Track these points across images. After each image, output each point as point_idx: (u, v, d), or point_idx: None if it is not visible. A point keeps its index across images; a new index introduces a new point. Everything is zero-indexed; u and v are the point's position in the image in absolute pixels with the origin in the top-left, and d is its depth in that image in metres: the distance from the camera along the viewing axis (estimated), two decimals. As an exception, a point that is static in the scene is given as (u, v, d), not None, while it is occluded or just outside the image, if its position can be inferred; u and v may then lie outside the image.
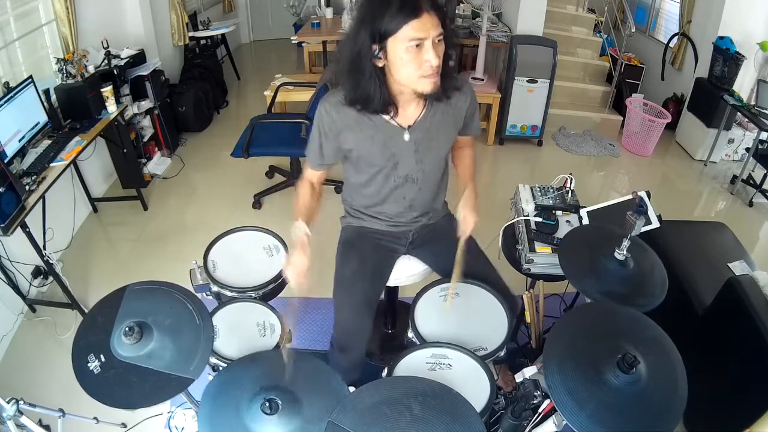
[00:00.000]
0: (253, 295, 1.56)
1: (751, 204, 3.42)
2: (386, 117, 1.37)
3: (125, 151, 3.04)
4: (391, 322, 2.17)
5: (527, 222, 1.81)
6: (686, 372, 1.12)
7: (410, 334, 1.43)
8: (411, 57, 1.21)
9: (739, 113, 3.62)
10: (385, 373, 1.31)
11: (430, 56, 1.20)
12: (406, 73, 1.24)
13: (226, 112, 4.59)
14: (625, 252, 1.41)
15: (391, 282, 1.67)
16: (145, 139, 3.39)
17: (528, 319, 1.74)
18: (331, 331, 1.60)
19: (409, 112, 1.38)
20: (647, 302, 1.37)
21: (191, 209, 3.21)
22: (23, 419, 1.41)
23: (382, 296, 1.87)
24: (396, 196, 1.50)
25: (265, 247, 1.70)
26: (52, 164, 2.24)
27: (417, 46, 1.19)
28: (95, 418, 1.71)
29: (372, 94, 1.28)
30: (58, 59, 2.61)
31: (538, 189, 1.96)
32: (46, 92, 2.47)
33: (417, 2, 1.17)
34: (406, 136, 1.39)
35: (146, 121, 3.40)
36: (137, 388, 1.10)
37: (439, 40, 1.22)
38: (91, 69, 2.74)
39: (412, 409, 1.02)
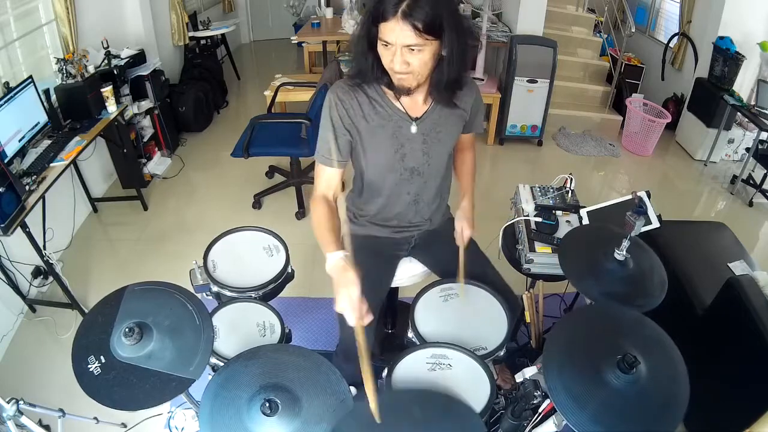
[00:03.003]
0: (253, 295, 1.56)
1: (751, 204, 3.42)
2: (396, 103, 1.36)
3: (125, 151, 3.04)
4: (391, 322, 2.16)
5: (527, 222, 1.81)
6: (686, 372, 1.12)
7: (410, 334, 1.43)
8: (383, 52, 1.24)
9: (739, 113, 3.62)
10: (385, 373, 1.31)
11: (393, 60, 1.21)
12: (383, 63, 1.26)
13: (226, 112, 4.59)
14: (624, 252, 1.41)
15: (393, 283, 1.66)
16: (145, 139, 3.39)
17: (528, 319, 1.74)
18: (332, 330, 1.59)
19: (418, 104, 1.39)
20: (647, 302, 1.37)
21: (191, 209, 3.21)
22: (23, 419, 1.42)
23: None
24: (401, 190, 1.49)
25: (265, 247, 1.70)
26: (52, 164, 2.24)
27: (385, 45, 1.21)
28: (95, 418, 1.71)
29: (366, 69, 1.30)
30: (58, 59, 2.61)
31: (538, 189, 1.96)
32: (46, 92, 2.47)
33: (390, 6, 1.15)
34: (414, 128, 1.39)
35: (146, 121, 3.40)
36: (137, 389, 1.10)
37: (414, 50, 1.19)
38: (91, 69, 2.74)
39: (413, 413, 1.02)
